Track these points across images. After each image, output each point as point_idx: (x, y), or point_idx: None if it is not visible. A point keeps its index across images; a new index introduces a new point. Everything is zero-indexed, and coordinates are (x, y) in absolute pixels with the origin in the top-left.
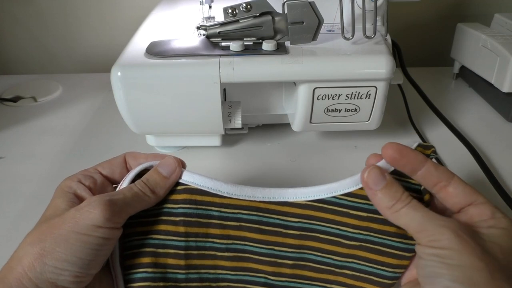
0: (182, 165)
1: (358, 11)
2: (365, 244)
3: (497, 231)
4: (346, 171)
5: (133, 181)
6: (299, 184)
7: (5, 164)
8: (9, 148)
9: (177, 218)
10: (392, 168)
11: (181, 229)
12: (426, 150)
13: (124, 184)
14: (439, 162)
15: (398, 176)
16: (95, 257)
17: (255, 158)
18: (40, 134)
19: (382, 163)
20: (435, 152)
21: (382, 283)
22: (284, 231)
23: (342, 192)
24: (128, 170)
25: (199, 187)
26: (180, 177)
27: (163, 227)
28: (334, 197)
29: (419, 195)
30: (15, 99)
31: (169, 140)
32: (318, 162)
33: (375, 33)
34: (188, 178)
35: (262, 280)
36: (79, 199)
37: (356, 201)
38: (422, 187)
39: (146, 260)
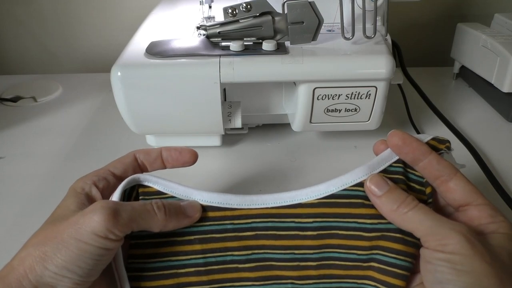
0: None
1: (358, 11)
2: (387, 234)
3: (501, 236)
4: (346, 171)
5: (124, 192)
6: (300, 184)
7: (5, 164)
8: (9, 148)
9: (192, 237)
10: (397, 157)
11: (197, 247)
12: (440, 144)
13: (116, 194)
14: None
15: (403, 166)
16: (95, 266)
17: (255, 158)
18: (40, 134)
19: (387, 152)
20: (449, 148)
21: (405, 276)
22: (301, 233)
23: (353, 183)
24: (140, 168)
25: (209, 204)
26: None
27: (179, 248)
28: (345, 189)
29: (422, 187)
30: (15, 99)
31: (169, 140)
32: (318, 162)
33: (375, 33)
34: (197, 196)
35: (289, 286)
36: (91, 201)
37: None
38: (425, 180)
39: (167, 282)
